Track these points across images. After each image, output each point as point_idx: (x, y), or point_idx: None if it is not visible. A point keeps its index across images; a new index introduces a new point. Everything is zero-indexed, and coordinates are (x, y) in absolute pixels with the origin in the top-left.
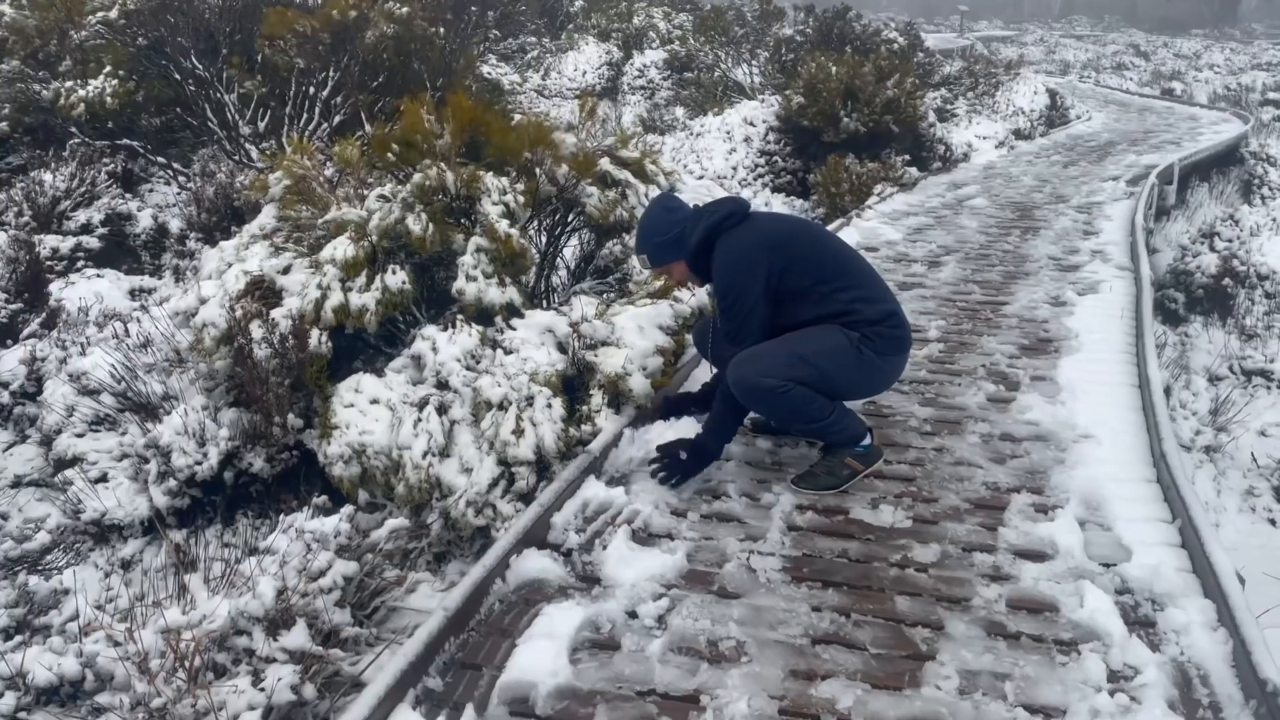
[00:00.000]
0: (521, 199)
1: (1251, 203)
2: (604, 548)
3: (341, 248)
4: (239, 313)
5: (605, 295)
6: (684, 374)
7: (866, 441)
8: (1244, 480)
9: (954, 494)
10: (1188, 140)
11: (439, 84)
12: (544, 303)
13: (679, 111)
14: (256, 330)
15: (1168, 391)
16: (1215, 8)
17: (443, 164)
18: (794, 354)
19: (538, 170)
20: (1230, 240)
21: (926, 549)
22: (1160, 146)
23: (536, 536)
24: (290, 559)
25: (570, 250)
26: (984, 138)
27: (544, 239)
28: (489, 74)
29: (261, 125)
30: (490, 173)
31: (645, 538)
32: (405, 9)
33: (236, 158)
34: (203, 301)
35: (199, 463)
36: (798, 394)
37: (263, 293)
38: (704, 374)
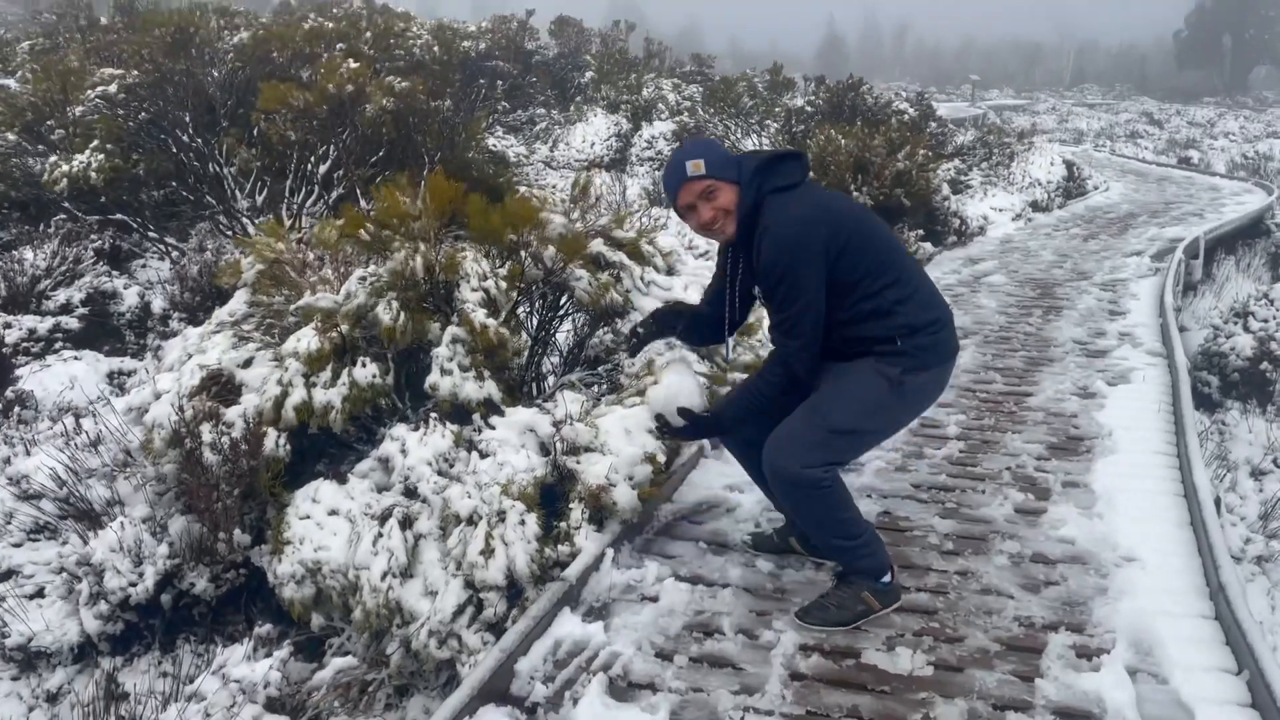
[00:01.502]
0: (504, 284)
1: None
2: (574, 703)
3: (305, 339)
4: (189, 413)
5: (595, 387)
6: (676, 480)
7: (887, 579)
8: None
9: (982, 631)
10: (1210, 212)
11: (438, 158)
12: (535, 389)
13: None
14: (207, 433)
15: (1216, 503)
16: (1226, 76)
17: (421, 245)
18: (832, 428)
19: (523, 253)
20: (1266, 320)
21: (951, 706)
22: (1183, 218)
23: (497, 689)
24: (214, 711)
25: (564, 334)
26: (1000, 210)
27: (535, 321)
28: (495, 146)
29: (260, 199)
30: (472, 255)
31: (624, 688)
32: (405, 83)
33: (232, 232)
34: (158, 396)
35: (133, 584)
36: (837, 494)
37: (220, 389)
38: (702, 477)
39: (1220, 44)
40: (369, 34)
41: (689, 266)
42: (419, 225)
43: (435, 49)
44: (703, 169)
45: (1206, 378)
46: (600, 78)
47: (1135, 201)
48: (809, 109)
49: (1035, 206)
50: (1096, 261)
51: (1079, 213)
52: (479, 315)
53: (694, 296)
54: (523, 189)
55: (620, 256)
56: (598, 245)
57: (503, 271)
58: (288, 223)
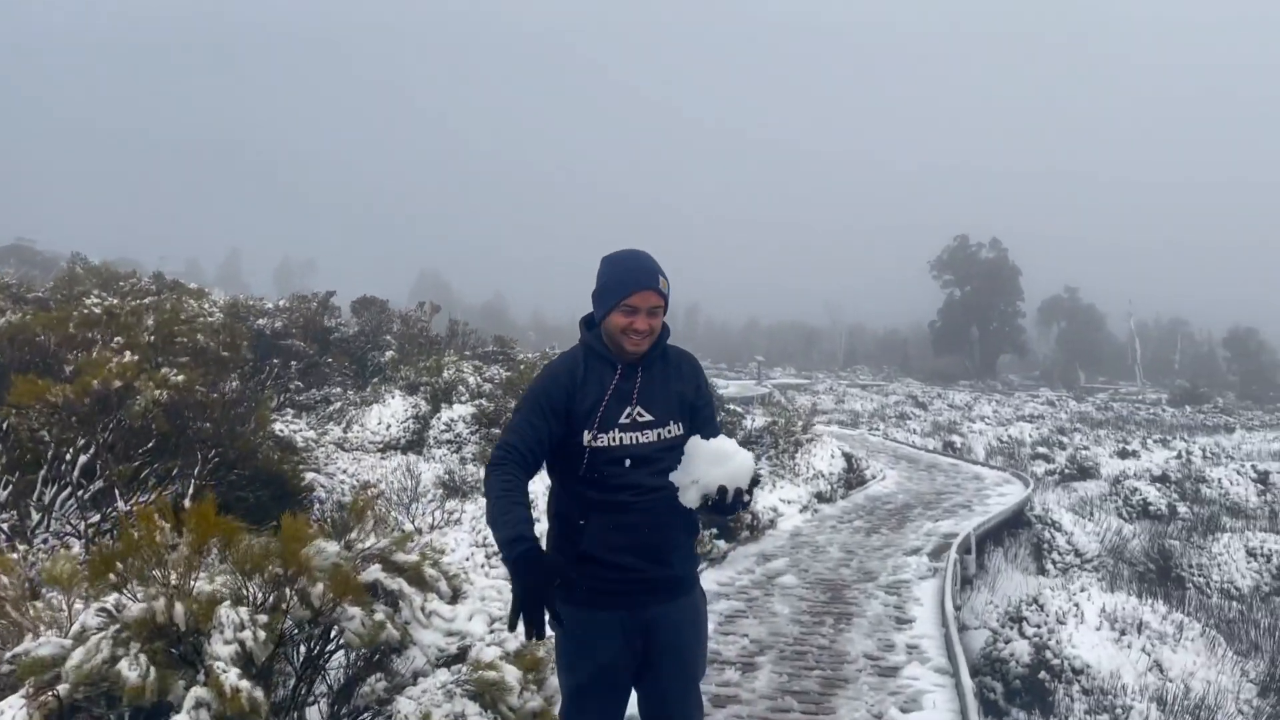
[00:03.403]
0: (263, 634)
1: (1044, 569)
2: None
3: (10, 713)
4: None
5: None
6: None
7: None
8: None
9: None
10: (977, 503)
11: (211, 456)
12: None
13: (484, 473)
14: None
15: None
16: (976, 363)
17: (175, 586)
18: None
19: (288, 590)
20: (1039, 626)
21: None
22: (954, 510)
23: None
24: None
25: (336, 667)
26: (788, 501)
27: (302, 651)
28: (282, 431)
29: (3, 495)
30: (229, 602)
31: None
32: (181, 376)
33: None
34: None
35: None
36: None
37: None
38: None
39: (969, 334)
40: (150, 321)
41: (477, 587)
42: (175, 557)
43: (223, 334)
44: (666, 291)
45: (991, 683)
46: (401, 357)
47: (910, 491)
48: None
49: (820, 498)
50: (880, 560)
51: (860, 503)
52: (230, 676)
53: (479, 626)
54: (309, 476)
55: (400, 583)
56: (375, 572)
57: (262, 619)
58: (36, 518)
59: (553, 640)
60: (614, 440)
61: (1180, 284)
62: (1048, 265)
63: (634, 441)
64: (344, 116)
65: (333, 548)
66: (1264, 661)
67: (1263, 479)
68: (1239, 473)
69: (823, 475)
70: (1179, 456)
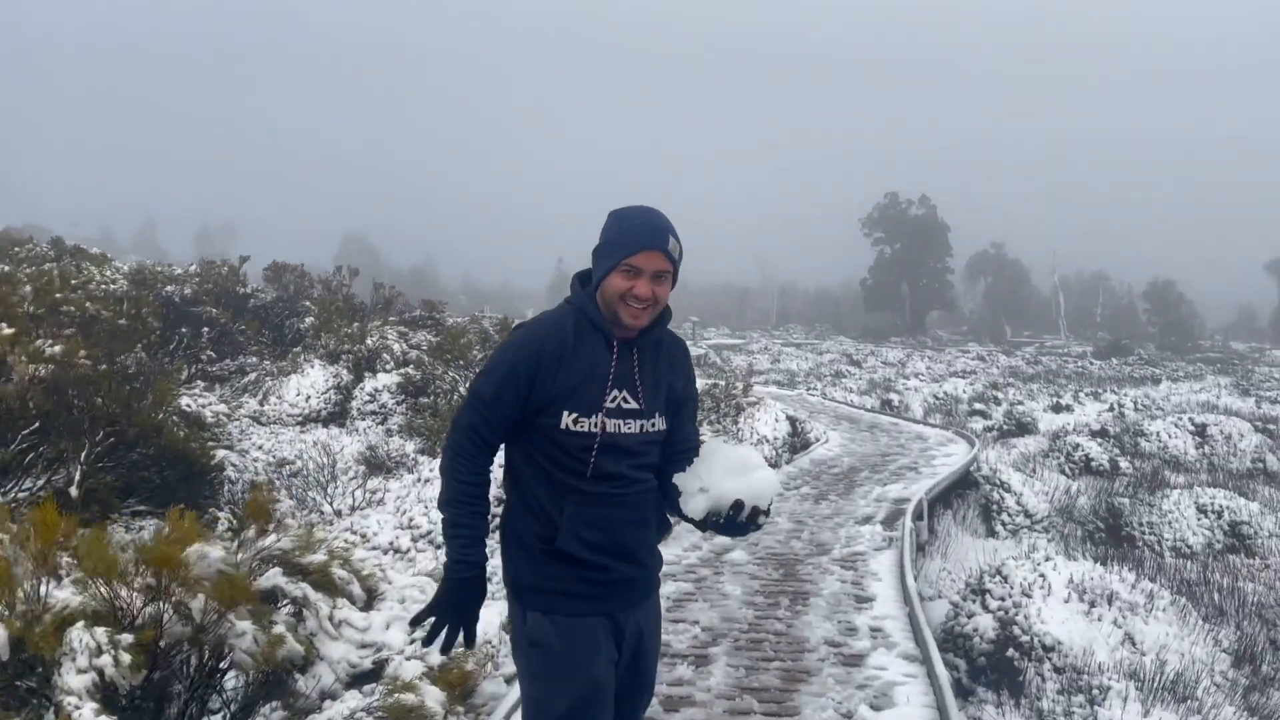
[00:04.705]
0: (128, 658)
1: (994, 530)
2: None
3: None
4: None
5: None
6: None
7: None
8: None
9: None
10: (924, 465)
11: (103, 436)
12: None
13: (410, 447)
14: None
15: None
16: (907, 319)
17: (10, 607)
18: None
19: (162, 603)
20: (1003, 599)
21: None
22: (901, 474)
23: None
24: None
25: (235, 684)
26: None
27: (193, 663)
28: (189, 406)
29: None
30: (83, 622)
31: None
32: (59, 347)
33: None
34: None
35: None
36: None
37: None
38: None
39: (899, 291)
40: (29, 288)
41: (395, 587)
42: (19, 571)
43: (125, 302)
44: (677, 257)
45: (954, 660)
46: (321, 324)
47: (855, 454)
48: None
49: (765, 463)
50: (831, 530)
51: (806, 468)
52: (85, 713)
53: (397, 637)
54: (220, 454)
55: (304, 589)
56: (274, 577)
57: (127, 638)
58: None
59: (487, 652)
60: (596, 425)
61: (1101, 238)
62: (974, 222)
63: (618, 429)
64: (261, 77)
65: (217, 552)
66: (1232, 627)
67: (1200, 431)
68: (1177, 425)
69: (767, 440)
70: (1112, 410)
